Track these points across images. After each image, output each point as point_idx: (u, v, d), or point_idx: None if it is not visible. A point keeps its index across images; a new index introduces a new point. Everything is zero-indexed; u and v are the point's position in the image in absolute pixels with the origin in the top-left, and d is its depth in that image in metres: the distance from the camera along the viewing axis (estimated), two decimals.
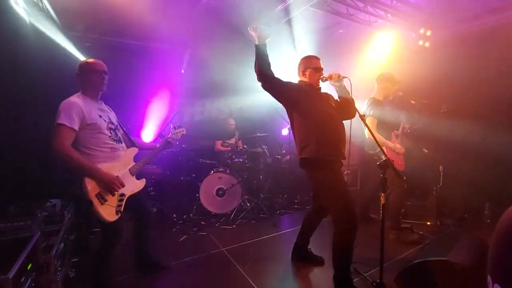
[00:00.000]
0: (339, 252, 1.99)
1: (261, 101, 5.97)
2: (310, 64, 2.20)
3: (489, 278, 0.65)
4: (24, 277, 1.37)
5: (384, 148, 2.78)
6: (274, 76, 2.00)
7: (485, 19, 3.41)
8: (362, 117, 2.01)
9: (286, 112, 2.25)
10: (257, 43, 1.97)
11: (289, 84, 2.10)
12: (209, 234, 3.17)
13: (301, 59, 2.27)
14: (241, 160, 4.02)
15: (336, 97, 2.27)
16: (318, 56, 2.24)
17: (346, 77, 2.05)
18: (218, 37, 4.24)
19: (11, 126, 2.96)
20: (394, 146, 2.88)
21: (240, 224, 3.49)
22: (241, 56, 5.17)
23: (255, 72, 2.00)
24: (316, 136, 2.03)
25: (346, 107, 2.17)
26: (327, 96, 2.25)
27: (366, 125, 2.08)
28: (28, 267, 1.44)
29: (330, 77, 2.07)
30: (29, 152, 2.97)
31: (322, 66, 2.20)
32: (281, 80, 2.04)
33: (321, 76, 2.16)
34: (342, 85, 2.10)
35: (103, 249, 1.96)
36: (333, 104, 2.20)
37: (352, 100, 2.11)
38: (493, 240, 0.66)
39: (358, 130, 2.17)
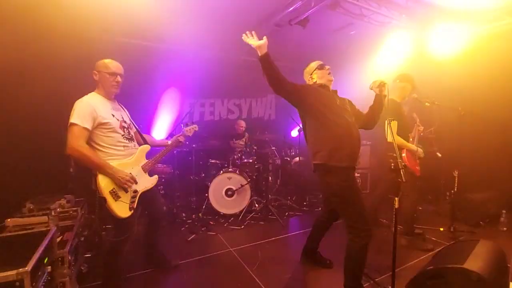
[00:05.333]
0: (353, 260, 1.94)
1: (270, 102, 5.99)
2: (314, 65, 2.19)
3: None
4: (40, 271, 1.41)
5: (404, 151, 2.73)
6: (286, 81, 1.91)
7: (506, 20, 3.31)
8: (389, 123, 1.94)
9: (298, 114, 2.20)
10: (260, 55, 1.81)
11: (302, 87, 2.03)
12: (217, 234, 3.18)
13: (304, 70, 2.27)
14: (251, 160, 4.03)
15: (343, 99, 2.21)
16: (329, 58, 2.25)
17: (386, 83, 2.04)
18: (228, 37, 4.26)
19: (27, 125, 3.06)
20: (417, 149, 2.79)
21: (249, 225, 3.49)
22: (251, 56, 5.21)
23: (266, 81, 1.88)
24: (329, 141, 1.96)
25: (373, 116, 2.15)
26: (343, 100, 2.19)
27: (391, 129, 1.99)
28: (45, 261, 1.48)
29: (374, 83, 2.06)
30: (44, 149, 3.06)
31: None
32: (294, 84, 1.97)
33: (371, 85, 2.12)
34: (383, 94, 2.07)
35: (115, 245, 1.99)
36: (348, 109, 2.13)
37: (381, 110, 2.08)
38: None
39: (368, 133, 2.11)
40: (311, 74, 2.19)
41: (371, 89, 2.11)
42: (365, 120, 2.18)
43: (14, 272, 1.18)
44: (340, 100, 2.14)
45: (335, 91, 2.19)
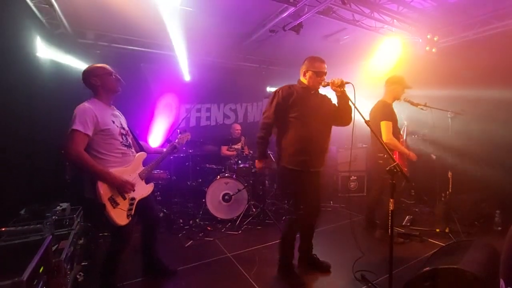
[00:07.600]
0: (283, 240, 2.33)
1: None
2: (312, 67, 2.15)
3: (502, 282, 0.64)
4: (36, 280, 1.39)
5: (396, 152, 2.76)
6: (271, 127, 2.22)
7: (493, 25, 3.40)
8: (368, 123, 1.97)
9: None
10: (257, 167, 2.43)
11: (277, 110, 2.16)
12: (215, 239, 3.17)
13: (306, 59, 2.22)
14: (247, 165, 4.03)
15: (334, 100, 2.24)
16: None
17: (349, 83, 1.98)
18: (224, 43, 4.31)
19: (23, 132, 3.04)
20: (408, 153, 2.82)
21: (246, 230, 3.48)
22: (247, 62, 5.26)
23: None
24: (295, 145, 2.11)
25: (343, 114, 2.15)
26: (323, 99, 2.22)
27: (372, 131, 2.03)
28: (40, 270, 1.46)
29: (332, 83, 2.02)
30: (40, 157, 3.03)
31: (325, 71, 2.15)
32: (273, 118, 2.17)
33: (323, 82, 2.12)
34: (344, 92, 2.02)
35: (112, 253, 1.98)
36: (329, 107, 2.18)
37: (350, 108, 2.07)
38: (505, 245, 0.66)
39: (365, 137, 2.15)
40: (307, 70, 2.17)
41: (333, 90, 2.07)
42: (337, 118, 2.19)
43: (9, 282, 1.17)
44: (319, 99, 2.20)
45: (317, 91, 2.21)
